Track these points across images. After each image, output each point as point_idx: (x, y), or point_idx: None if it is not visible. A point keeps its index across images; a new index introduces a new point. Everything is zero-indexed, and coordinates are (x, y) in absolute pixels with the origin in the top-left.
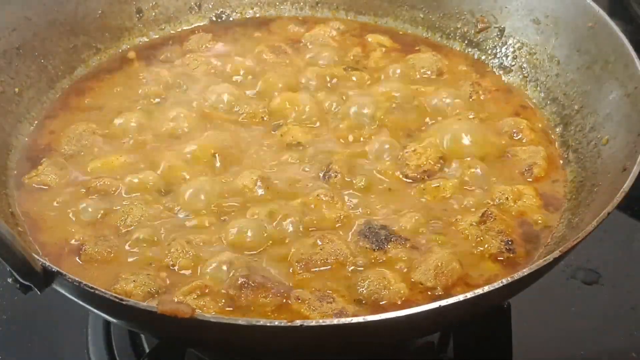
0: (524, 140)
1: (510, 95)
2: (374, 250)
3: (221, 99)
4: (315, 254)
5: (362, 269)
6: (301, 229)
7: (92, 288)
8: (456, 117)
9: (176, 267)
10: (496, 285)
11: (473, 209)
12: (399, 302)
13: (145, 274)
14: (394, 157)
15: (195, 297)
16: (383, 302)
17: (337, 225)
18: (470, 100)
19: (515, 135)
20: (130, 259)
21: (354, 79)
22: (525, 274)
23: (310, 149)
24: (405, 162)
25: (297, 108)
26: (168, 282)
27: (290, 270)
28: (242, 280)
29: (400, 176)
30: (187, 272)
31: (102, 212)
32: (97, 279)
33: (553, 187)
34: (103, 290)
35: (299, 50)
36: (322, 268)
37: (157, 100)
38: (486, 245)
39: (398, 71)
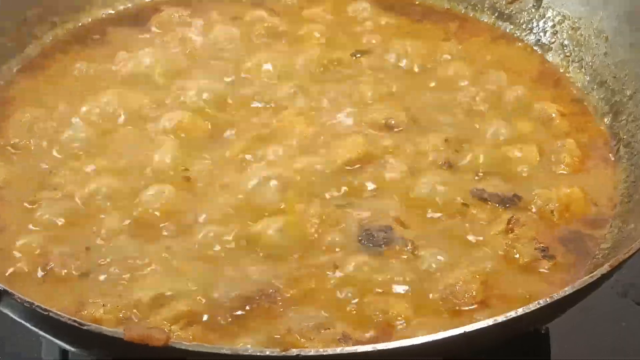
0: (557, 131)
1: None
2: (370, 254)
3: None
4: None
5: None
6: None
7: (45, 310)
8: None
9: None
10: (532, 307)
11: (501, 214)
12: (401, 327)
13: (118, 295)
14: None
15: (182, 327)
16: (381, 322)
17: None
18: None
19: (547, 123)
20: (100, 278)
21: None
22: (567, 293)
23: None
24: None
25: None
26: (146, 306)
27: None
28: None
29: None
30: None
31: (64, 218)
32: (59, 302)
33: (600, 187)
34: (58, 312)
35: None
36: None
37: (124, 83)
38: (516, 255)
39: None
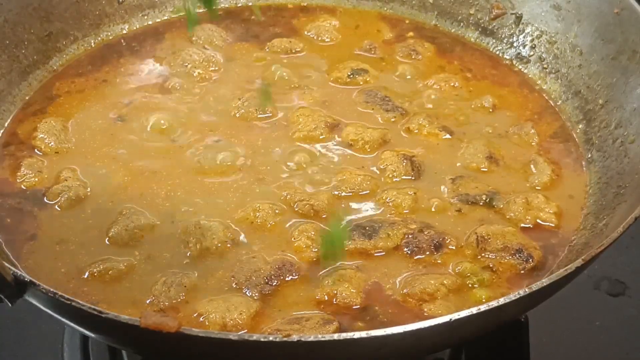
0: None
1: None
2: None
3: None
4: None
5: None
6: None
7: (68, 300)
8: None
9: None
10: (512, 297)
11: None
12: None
13: (165, 294)
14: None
15: None
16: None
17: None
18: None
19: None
20: (143, 277)
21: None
22: (544, 284)
23: None
24: None
25: None
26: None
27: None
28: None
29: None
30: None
31: (94, 219)
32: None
33: (576, 189)
34: (80, 302)
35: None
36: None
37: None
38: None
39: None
